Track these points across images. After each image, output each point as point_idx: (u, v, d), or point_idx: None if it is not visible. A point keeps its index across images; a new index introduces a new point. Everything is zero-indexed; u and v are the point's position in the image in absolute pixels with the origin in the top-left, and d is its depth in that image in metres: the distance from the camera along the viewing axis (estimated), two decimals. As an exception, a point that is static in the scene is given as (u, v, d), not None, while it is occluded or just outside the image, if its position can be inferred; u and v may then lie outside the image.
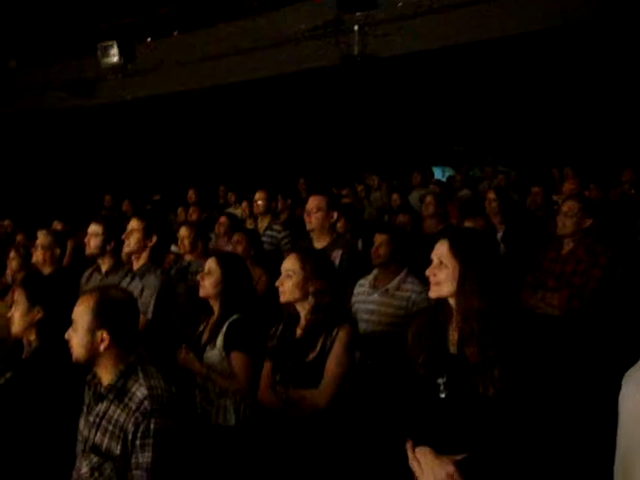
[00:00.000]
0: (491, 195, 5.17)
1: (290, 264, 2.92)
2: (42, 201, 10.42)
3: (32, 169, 11.73)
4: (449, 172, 13.31)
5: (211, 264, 3.30)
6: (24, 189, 11.14)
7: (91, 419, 2.27)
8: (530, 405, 2.10)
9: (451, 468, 2.04)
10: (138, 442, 2.13)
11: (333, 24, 7.84)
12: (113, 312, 2.25)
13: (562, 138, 10.92)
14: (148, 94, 10.22)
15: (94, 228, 4.01)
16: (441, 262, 2.24)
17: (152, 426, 2.12)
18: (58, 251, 4.30)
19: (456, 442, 2.11)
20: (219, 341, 3.17)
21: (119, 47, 9.84)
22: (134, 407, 2.16)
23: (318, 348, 2.80)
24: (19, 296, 2.94)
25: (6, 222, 7.79)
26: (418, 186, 8.28)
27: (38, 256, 4.28)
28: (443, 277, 2.23)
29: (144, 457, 2.12)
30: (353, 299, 3.83)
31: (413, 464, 2.14)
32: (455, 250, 2.23)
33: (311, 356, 2.81)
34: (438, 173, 12.55)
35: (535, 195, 6.31)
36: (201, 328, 3.35)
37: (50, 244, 4.29)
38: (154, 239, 3.93)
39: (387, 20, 7.75)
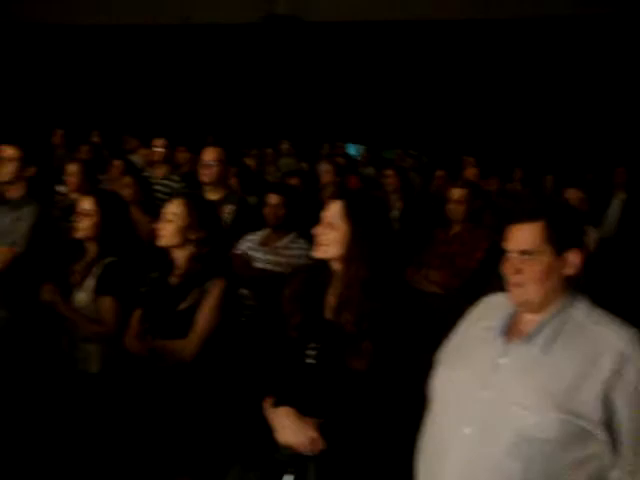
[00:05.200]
0: (389, 172, 5.21)
1: (174, 208, 2.80)
2: None
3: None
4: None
5: (88, 204, 3.10)
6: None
7: None
8: (395, 386, 2.09)
9: (314, 432, 2.03)
10: None
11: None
12: None
13: (475, 129, 11.14)
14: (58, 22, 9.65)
15: None
16: (331, 223, 2.18)
17: None
18: None
19: (317, 409, 2.08)
20: (90, 283, 3.01)
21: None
22: None
23: (190, 299, 2.71)
24: None
25: None
26: (326, 157, 8.26)
27: None
28: (331, 238, 2.16)
29: None
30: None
31: (273, 421, 2.11)
32: (347, 212, 2.16)
33: (182, 306, 2.71)
34: (354, 150, 12.57)
35: (438, 179, 6.43)
36: (73, 268, 3.16)
37: None
38: (32, 170, 3.67)
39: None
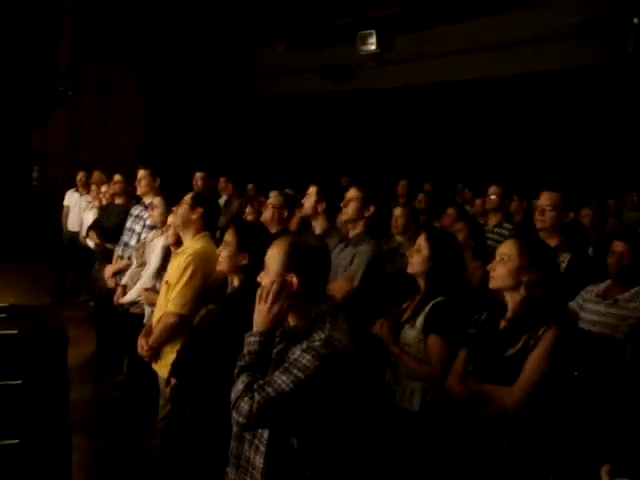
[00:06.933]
0: None
1: (507, 249, 2.68)
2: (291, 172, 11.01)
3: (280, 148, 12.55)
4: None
5: (421, 240, 3.16)
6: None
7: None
8: None
9: None
10: (285, 364, 2.05)
11: (604, 17, 7.15)
12: (304, 257, 2.19)
13: None
14: (401, 84, 10.29)
15: (309, 189, 4.13)
16: None
17: (306, 361, 2.03)
18: (285, 212, 4.43)
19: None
20: (419, 321, 3.03)
21: (377, 36, 10.12)
22: (306, 346, 2.09)
23: (520, 345, 2.54)
24: (230, 237, 3.08)
25: (250, 185, 8.47)
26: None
27: (267, 215, 4.46)
28: None
29: (280, 379, 2.01)
30: (575, 304, 3.47)
31: None
32: None
33: (510, 352, 2.55)
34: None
35: None
36: (404, 305, 3.23)
37: (279, 205, 4.43)
38: (371, 209, 3.91)
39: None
